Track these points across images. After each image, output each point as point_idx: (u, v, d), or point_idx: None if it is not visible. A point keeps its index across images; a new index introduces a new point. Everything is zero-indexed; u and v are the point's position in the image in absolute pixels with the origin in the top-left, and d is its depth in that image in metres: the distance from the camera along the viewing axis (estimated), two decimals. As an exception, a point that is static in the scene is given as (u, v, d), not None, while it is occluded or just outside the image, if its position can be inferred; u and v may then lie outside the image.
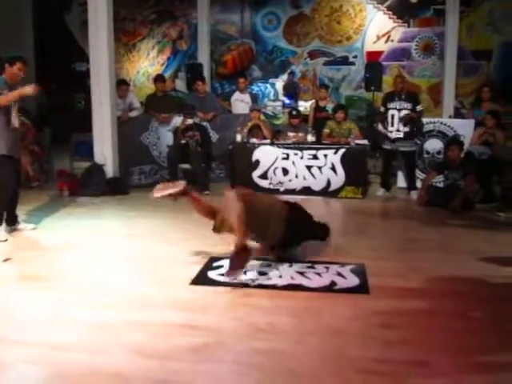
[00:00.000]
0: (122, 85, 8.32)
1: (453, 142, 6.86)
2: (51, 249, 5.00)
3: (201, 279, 4.04)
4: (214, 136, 8.29)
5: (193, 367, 2.83)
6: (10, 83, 5.16)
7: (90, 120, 7.57)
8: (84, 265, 4.49)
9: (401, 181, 7.73)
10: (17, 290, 3.97)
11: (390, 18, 12.44)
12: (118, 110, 7.85)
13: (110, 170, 7.42)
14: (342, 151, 7.08)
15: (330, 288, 3.91)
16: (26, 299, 3.77)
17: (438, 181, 6.91)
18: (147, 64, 14.26)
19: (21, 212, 5.74)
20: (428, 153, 7.66)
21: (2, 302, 3.72)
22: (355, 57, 12.71)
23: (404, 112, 6.99)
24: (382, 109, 7.23)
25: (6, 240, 5.15)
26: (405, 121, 6.97)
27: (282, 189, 7.21)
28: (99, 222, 5.89)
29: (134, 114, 8.31)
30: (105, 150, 7.42)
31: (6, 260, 4.61)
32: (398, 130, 7.06)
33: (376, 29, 12.52)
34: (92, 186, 7.21)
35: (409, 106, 7.03)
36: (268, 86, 13.25)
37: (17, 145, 5.36)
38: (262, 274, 4.15)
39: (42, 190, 7.54)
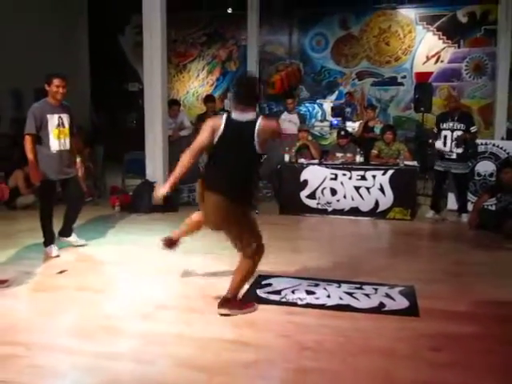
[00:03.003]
0: (173, 105, 8.56)
1: (506, 164, 6.72)
2: (104, 262, 5.17)
3: (250, 297, 4.09)
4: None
5: (241, 382, 2.87)
6: (52, 104, 5.18)
7: (141, 138, 7.78)
8: (135, 279, 4.61)
9: (451, 203, 7.59)
10: (70, 300, 4.10)
11: (439, 38, 12.34)
12: (169, 129, 8.06)
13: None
14: (390, 172, 7.04)
15: (379, 309, 3.89)
16: (79, 310, 3.91)
17: (490, 203, 6.76)
18: (197, 84, 14.57)
19: (75, 225, 5.93)
20: (479, 175, 7.50)
21: (56, 312, 3.86)
22: (404, 77, 12.64)
23: (457, 133, 6.87)
24: (435, 130, 7.15)
25: (58, 256, 5.28)
26: (458, 141, 6.85)
27: (330, 209, 7.21)
28: (150, 238, 5.99)
29: (184, 132, 8.52)
30: (156, 168, 7.61)
31: (61, 272, 4.78)
32: (450, 151, 6.95)
33: (425, 49, 12.44)
34: (143, 203, 7.38)
35: (462, 126, 6.89)
36: (316, 106, 13.30)
37: (58, 167, 5.23)
38: (309, 293, 4.17)
39: (95, 206, 7.78)
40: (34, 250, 5.43)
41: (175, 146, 8.05)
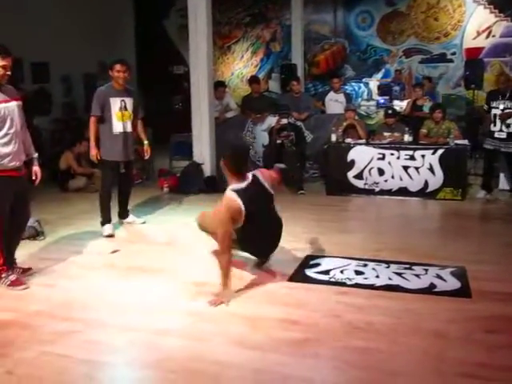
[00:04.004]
0: (219, 86, 8.60)
1: None
2: (155, 243, 5.30)
3: (298, 276, 4.12)
4: (308, 136, 8.34)
5: (292, 360, 2.91)
6: (116, 88, 5.44)
7: (188, 121, 7.87)
8: (186, 258, 4.72)
9: (503, 182, 7.38)
10: (124, 279, 4.23)
11: (491, 12, 11.85)
12: (215, 111, 8.11)
13: (208, 169, 7.68)
14: (440, 152, 6.88)
15: (430, 290, 3.85)
16: (134, 288, 4.03)
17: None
18: (241, 66, 14.55)
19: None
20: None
21: (111, 291, 3.99)
22: (453, 54, 12.24)
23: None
24: (486, 107, 6.94)
25: (112, 236, 5.45)
26: (502, 118, 6.64)
27: (377, 189, 7.12)
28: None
29: (230, 114, 8.57)
30: (203, 150, 7.68)
31: (114, 252, 4.93)
32: (500, 130, 6.73)
33: (476, 24, 11.98)
34: (190, 184, 7.49)
35: (514, 105, 6.67)
36: (361, 85, 13.09)
37: (123, 149, 5.46)
38: (358, 273, 4.16)
39: (143, 188, 7.93)
40: (87, 230, 5.61)
41: (221, 127, 8.12)
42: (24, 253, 4.62)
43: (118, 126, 5.42)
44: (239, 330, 3.26)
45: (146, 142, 5.79)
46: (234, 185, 3.90)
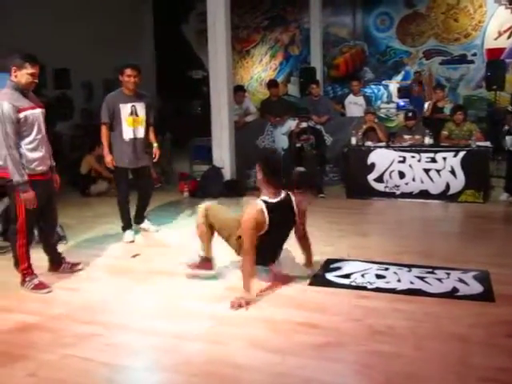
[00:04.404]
0: (238, 91, 8.63)
1: None
2: (175, 246, 5.31)
3: (319, 280, 4.11)
4: (328, 139, 8.31)
5: (313, 364, 2.90)
6: (126, 94, 5.35)
7: (207, 125, 7.90)
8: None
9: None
10: (145, 283, 4.26)
11: (512, 12, 11.75)
12: (234, 114, 8.13)
13: (228, 173, 7.70)
14: (462, 154, 6.81)
15: (452, 294, 3.81)
16: (153, 292, 4.05)
17: None
18: (260, 69, 14.59)
19: (147, 211, 6.12)
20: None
21: (132, 294, 4.03)
22: (474, 55, 12.12)
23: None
24: (510, 108, 6.85)
25: (133, 241, 5.48)
26: None
27: (398, 192, 7.07)
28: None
29: (250, 118, 8.60)
30: (223, 154, 7.71)
31: (134, 256, 4.96)
32: (523, 132, 6.66)
33: (497, 25, 11.86)
34: (211, 188, 7.50)
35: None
36: (381, 87, 13.03)
37: (133, 155, 5.38)
38: (380, 277, 4.13)
39: (163, 192, 7.97)
40: (109, 234, 5.66)
41: (241, 131, 8.14)
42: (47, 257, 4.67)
43: (128, 132, 5.35)
44: (259, 334, 3.26)
45: (155, 145, 5.63)
46: (266, 196, 3.87)
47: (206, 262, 4.22)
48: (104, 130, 5.35)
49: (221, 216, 4.19)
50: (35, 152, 4.00)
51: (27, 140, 3.95)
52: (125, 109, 5.32)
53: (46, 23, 9.96)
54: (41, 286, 4.09)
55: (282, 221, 3.91)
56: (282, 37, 14.32)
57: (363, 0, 13.21)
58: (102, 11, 11.47)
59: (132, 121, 5.35)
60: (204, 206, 4.22)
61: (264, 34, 14.49)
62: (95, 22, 11.21)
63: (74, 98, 11.08)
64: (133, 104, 5.35)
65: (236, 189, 7.51)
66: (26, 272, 4.11)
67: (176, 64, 14.27)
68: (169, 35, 14.32)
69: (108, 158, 5.36)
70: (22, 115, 3.87)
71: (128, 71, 5.27)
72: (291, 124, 8.09)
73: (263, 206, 3.79)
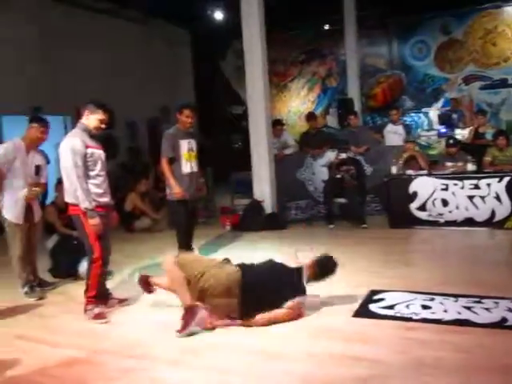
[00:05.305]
0: (277, 125, 8.76)
1: None
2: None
3: (363, 312, 4.06)
4: (367, 169, 8.30)
5: (359, 398, 2.86)
6: (182, 130, 5.63)
7: (247, 159, 8.03)
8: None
9: None
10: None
11: (553, 34, 11.59)
12: (273, 148, 8.23)
13: (269, 206, 7.76)
14: (507, 179, 6.66)
15: (501, 324, 3.69)
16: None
17: None
18: (298, 102, 14.75)
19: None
20: None
21: (173, 328, 4.01)
22: (515, 78, 11.98)
23: None
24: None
25: None
26: None
27: (442, 220, 6.95)
28: (262, 254, 6.12)
29: (289, 151, 8.69)
30: (263, 187, 7.79)
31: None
32: None
33: (538, 47, 11.73)
34: (252, 222, 7.58)
35: None
36: (421, 115, 12.95)
37: (191, 188, 5.64)
38: (425, 307, 4.05)
39: (206, 226, 8.08)
40: (153, 269, 5.73)
41: (280, 164, 8.22)
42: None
43: (187, 167, 5.61)
44: (304, 368, 3.23)
45: (201, 180, 5.98)
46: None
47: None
48: (166, 164, 5.55)
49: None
50: (99, 188, 4.29)
51: (92, 174, 4.25)
52: (183, 144, 5.59)
53: (93, 66, 10.48)
54: (100, 316, 4.24)
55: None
56: (319, 69, 14.50)
57: (398, 30, 13.28)
58: (142, 53, 11.93)
59: (189, 156, 5.62)
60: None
61: (301, 68, 14.69)
62: (136, 63, 11.66)
63: (119, 138, 11.42)
64: (189, 140, 5.65)
65: (277, 222, 7.55)
66: (91, 301, 4.29)
67: (216, 100, 14.59)
68: (207, 72, 14.69)
69: (177, 190, 5.48)
70: (89, 151, 4.22)
71: (187, 112, 5.58)
72: (330, 155, 8.13)
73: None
